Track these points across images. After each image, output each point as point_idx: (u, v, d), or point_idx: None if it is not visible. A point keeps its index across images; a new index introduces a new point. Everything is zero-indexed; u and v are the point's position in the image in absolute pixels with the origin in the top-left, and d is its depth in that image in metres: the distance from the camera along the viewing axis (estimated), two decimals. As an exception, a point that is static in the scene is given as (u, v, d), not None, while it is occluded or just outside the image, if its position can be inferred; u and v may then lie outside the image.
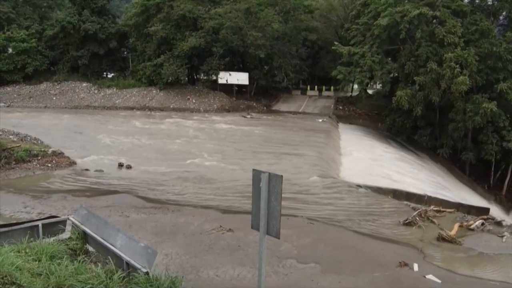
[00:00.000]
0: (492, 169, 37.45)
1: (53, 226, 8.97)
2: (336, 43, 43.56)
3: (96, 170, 20.30)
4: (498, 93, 33.87)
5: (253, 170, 6.08)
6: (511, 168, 37.15)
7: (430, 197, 19.20)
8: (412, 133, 40.54)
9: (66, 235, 8.89)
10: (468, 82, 33.17)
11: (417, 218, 13.59)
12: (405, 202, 16.61)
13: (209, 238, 11.80)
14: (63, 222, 9.17)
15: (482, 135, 35.62)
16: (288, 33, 50.39)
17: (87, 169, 20.40)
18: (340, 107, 50.80)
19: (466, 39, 35.55)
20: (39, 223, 8.80)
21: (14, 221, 10.71)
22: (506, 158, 36.55)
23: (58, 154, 22.07)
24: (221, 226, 12.53)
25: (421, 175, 28.56)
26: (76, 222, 8.90)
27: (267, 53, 48.13)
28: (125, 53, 56.89)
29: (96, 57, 51.89)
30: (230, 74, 49.33)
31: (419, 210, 14.31)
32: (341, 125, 43.30)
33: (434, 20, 37.52)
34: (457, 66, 33.74)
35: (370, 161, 28.29)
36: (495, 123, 34.75)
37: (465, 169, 38.20)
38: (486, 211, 19.81)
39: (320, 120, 42.00)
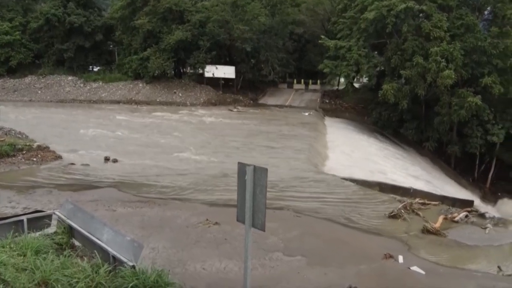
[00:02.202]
0: (477, 162, 37.97)
1: (39, 221, 8.90)
2: (322, 36, 43.64)
3: (82, 164, 20.08)
4: (483, 87, 34.21)
5: (238, 163, 6.12)
6: (495, 161, 37.65)
7: (415, 190, 19.40)
8: (398, 126, 40.84)
9: (51, 229, 8.84)
10: (453, 76, 33.48)
11: (402, 211, 13.74)
12: (391, 195, 16.75)
13: (196, 232, 11.82)
14: (49, 217, 9.10)
15: (467, 129, 36.02)
16: (275, 27, 50.37)
17: (73, 163, 20.16)
18: (327, 101, 50.95)
19: (452, 34, 35.82)
20: (24, 217, 8.72)
21: (-1, 216, 10.60)
22: (490, 151, 37.09)
23: (43, 149, 21.82)
24: (207, 220, 12.55)
25: (407, 168, 28.83)
26: (62, 217, 8.84)
27: (253, 46, 48.07)
28: (111, 46, 56.36)
29: (81, 50, 51.41)
30: (216, 68, 49.20)
31: (405, 203, 14.46)
32: (327, 118, 43.43)
33: (421, 14, 37.70)
34: (443, 60, 34.03)
35: (356, 154, 28.47)
36: (480, 116, 35.13)
37: (450, 162, 38.62)
38: (470, 203, 20.12)
39: (307, 114, 42.09)
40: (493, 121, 35.38)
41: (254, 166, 5.94)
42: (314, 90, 56.07)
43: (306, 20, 54.25)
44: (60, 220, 8.85)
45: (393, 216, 13.57)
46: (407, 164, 30.52)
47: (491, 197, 35.24)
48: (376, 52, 42.12)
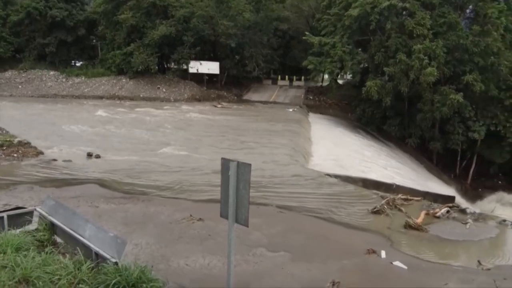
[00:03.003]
0: (458, 158, 38.48)
1: (19, 218, 8.76)
2: (307, 33, 43.77)
3: (64, 160, 19.82)
4: (465, 85, 34.63)
5: (222, 158, 6.10)
6: (475, 158, 38.20)
7: (398, 186, 19.53)
8: (382, 123, 41.17)
9: (33, 226, 8.69)
10: (436, 74, 33.87)
11: (385, 207, 13.88)
12: (374, 191, 16.89)
13: (179, 228, 11.76)
14: (30, 213, 8.96)
15: (449, 125, 36.51)
16: (259, 23, 50.34)
17: (55, 159, 19.89)
18: (311, 97, 51.15)
19: (434, 31, 36.19)
20: (4, 214, 8.57)
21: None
22: (471, 148, 37.65)
23: (24, 144, 21.48)
24: (191, 216, 12.49)
25: (390, 164, 29.07)
26: (44, 213, 8.71)
27: (238, 42, 48.00)
28: (94, 41, 55.71)
29: (64, 45, 50.75)
30: (200, 64, 49.03)
31: (387, 199, 14.61)
32: (311, 114, 43.59)
33: (404, 12, 37.99)
34: (426, 57, 34.36)
35: (339, 150, 28.57)
36: (462, 113, 35.62)
37: (433, 158, 39.11)
38: (451, 199, 20.36)
39: (291, 110, 42.23)
40: (474, 118, 35.93)
41: (238, 162, 5.92)
42: (298, 87, 56.28)
43: (291, 16, 54.29)
44: (42, 217, 8.71)
45: (376, 212, 13.71)
46: (390, 160, 30.77)
47: (471, 192, 35.80)
48: (360, 49, 42.33)
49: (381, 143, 37.56)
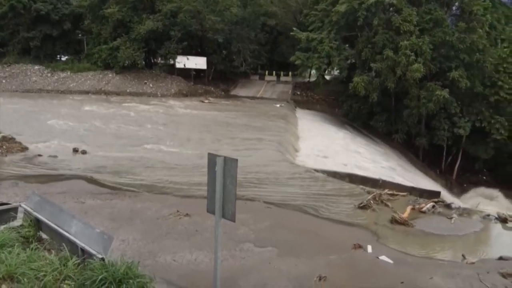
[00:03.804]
0: (444, 154, 38.85)
1: (4, 214, 8.62)
2: (294, 28, 43.77)
3: (50, 156, 19.66)
4: (450, 81, 34.89)
5: (209, 154, 6.09)
6: (461, 153, 38.60)
7: (384, 181, 19.70)
8: (368, 118, 41.35)
9: (17, 222, 8.56)
10: (422, 70, 34.06)
11: (372, 202, 13.98)
12: (361, 186, 17.01)
13: (166, 223, 11.75)
14: (15, 210, 8.84)
15: (435, 121, 36.81)
16: (246, 18, 50.13)
17: (40, 155, 19.73)
18: (298, 93, 51.13)
19: (421, 28, 36.38)
20: None
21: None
22: (456, 143, 38.00)
23: (8, 140, 21.27)
24: (178, 211, 12.50)
25: (376, 160, 29.22)
26: (29, 209, 8.60)
27: (225, 37, 47.77)
28: (80, 35, 54.94)
29: (49, 39, 49.95)
30: (188, 59, 48.70)
31: (374, 194, 14.73)
32: (299, 110, 43.66)
33: (391, 8, 38.14)
34: (412, 54, 34.55)
35: (327, 146, 28.66)
36: (447, 109, 35.92)
37: (419, 154, 39.39)
38: (437, 194, 20.58)
39: (278, 105, 42.21)
40: (460, 114, 36.27)
41: (225, 157, 5.92)
42: (286, 82, 56.28)
43: (278, 12, 54.19)
44: (27, 213, 8.60)
45: (363, 207, 13.81)
46: (377, 156, 30.93)
47: (457, 188, 36.19)
48: (347, 45, 42.44)
49: (368, 139, 37.75)
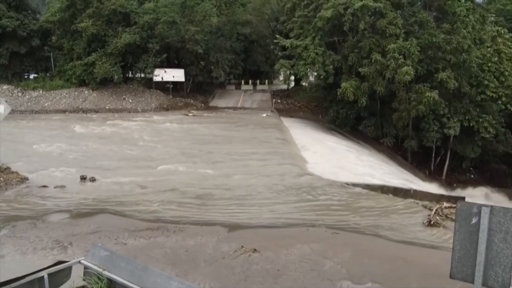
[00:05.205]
0: (433, 155, 39.02)
1: (60, 274, 6.99)
2: (277, 36, 43.08)
3: (57, 186, 17.71)
4: (438, 82, 35.00)
5: (458, 202, 4.82)
6: (449, 153, 38.89)
7: (415, 191, 19.11)
8: (356, 124, 41.08)
9: (77, 284, 6.88)
10: (412, 73, 33.96)
11: (437, 218, 13.12)
12: (411, 200, 16.18)
13: (237, 264, 10.18)
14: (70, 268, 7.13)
15: (423, 123, 36.93)
16: (221, 28, 49.07)
17: (45, 186, 17.73)
18: (278, 101, 50.32)
19: (406, 30, 36.42)
20: (44, 273, 6.75)
21: None
22: (444, 144, 38.30)
23: (4, 170, 19.17)
24: (243, 247, 11.07)
25: (380, 167, 28.78)
26: (93, 266, 6.86)
27: (204, 48, 46.47)
28: (47, 52, 52.07)
29: (16, 56, 46.93)
30: (165, 71, 47.16)
31: (436, 208, 13.86)
32: (283, 118, 42.75)
33: (375, 11, 38.03)
34: (401, 56, 34.45)
35: (329, 155, 27.95)
36: (436, 111, 36.02)
37: (407, 157, 39.40)
38: (462, 200, 20.12)
39: (265, 115, 41.39)
40: (448, 115, 36.46)
41: (492, 206, 4.54)
42: (263, 91, 55.56)
43: (253, 20, 53.41)
44: (91, 271, 6.87)
45: (433, 225, 12.91)
46: (379, 162, 30.54)
47: (448, 188, 36.31)
48: (331, 51, 42.06)
49: (360, 145, 37.35)
